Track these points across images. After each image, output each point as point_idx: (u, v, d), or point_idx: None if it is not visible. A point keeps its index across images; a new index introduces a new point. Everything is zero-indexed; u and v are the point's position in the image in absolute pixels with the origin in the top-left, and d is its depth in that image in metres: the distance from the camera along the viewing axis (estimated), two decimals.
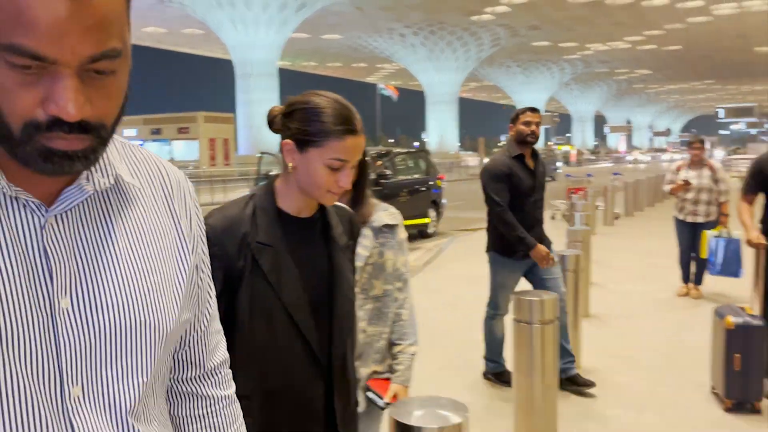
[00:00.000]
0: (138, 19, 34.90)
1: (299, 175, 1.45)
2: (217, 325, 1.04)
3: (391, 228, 2.05)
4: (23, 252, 0.72)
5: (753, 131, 36.57)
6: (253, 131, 30.66)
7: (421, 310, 5.91)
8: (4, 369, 0.69)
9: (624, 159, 57.27)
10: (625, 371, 4.44)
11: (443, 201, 11.18)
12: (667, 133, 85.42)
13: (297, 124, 1.43)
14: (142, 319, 0.81)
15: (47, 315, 0.73)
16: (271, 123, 1.51)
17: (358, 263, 1.91)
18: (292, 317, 1.41)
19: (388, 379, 1.96)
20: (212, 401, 1.01)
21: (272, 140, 34.25)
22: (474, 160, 47.53)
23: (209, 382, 1.01)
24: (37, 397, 0.72)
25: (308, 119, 1.42)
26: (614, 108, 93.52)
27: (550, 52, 51.29)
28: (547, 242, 4.04)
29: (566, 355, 4.03)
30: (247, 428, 1.24)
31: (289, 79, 33.87)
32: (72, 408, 0.75)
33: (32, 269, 0.73)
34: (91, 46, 0.64)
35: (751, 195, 4.25)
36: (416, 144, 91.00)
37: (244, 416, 1.20)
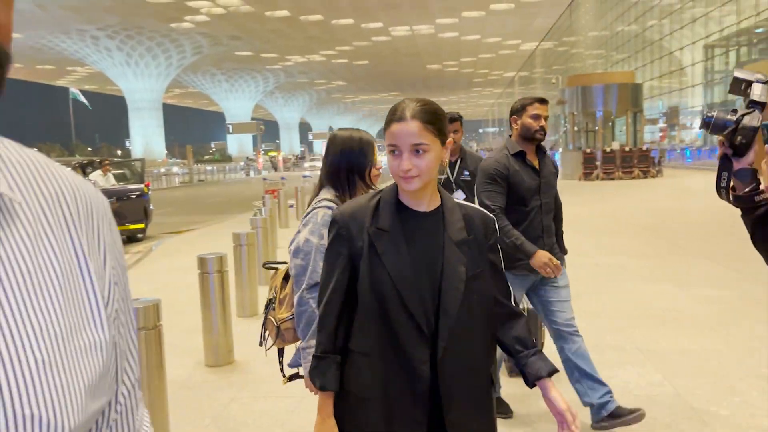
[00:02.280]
0: None
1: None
2: (139, 395, 0.72)
3: None
4: None
5: None
6: None
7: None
8: None
9: None
10: None
11: (150, 207, 11.58)
12: None
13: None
14: (26, 413, 0.52)
15: None
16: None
17: None
18: (399, 291, 1.60)
19: None
20: None
21: None
22: (181, 169, 46.70)
23: None
24: None
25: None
26: (317, 115, 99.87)
27: (253, 61, 52.92)
28: (558, 254, 3.38)
29: (598, 386, 3.25)
30: (368, 380, 1.62)
31: None
32: None
33: None
34: None
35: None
36: (119, 152, 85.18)
37: (363, 370, 1.64)
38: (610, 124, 22.46)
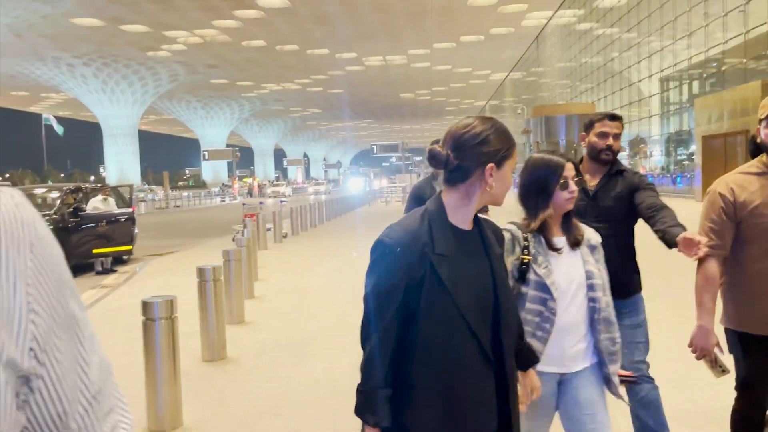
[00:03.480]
0: None
1: (497, 189, 1.62)
2: (105, 402, 0.68)
3: (598, 246, 2.23)
4: None
5: (402, 164, 44.79)
6: None
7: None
8: None
9: (304, 189, 62.27)
10: None
11: (135, 230, 12.11)
12: (338, 165, 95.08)
13: (496, 147, 1.60)
14: None
15: None
16: (448, 159, 1.61)
17: (595, 280, 2.16)
18: (466, 319, 1.55)
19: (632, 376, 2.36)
20: None
21: None
22: (159, 194, 46.86)
23: None
24: None
25: (501, 142, 1.62)
26: (292, 142, 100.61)
27: (229, 89, 53.61)
28: (627, 285, 2.86)
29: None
30: (433, 416, 1.53)
31: None
32: None
33: None
34: None
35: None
36: (92, 178, 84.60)
37: (423, 408, 1.54)
38: (573, 152, 23.61)
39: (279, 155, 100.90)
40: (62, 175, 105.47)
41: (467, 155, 1.59)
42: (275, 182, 61.34)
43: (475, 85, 56.75)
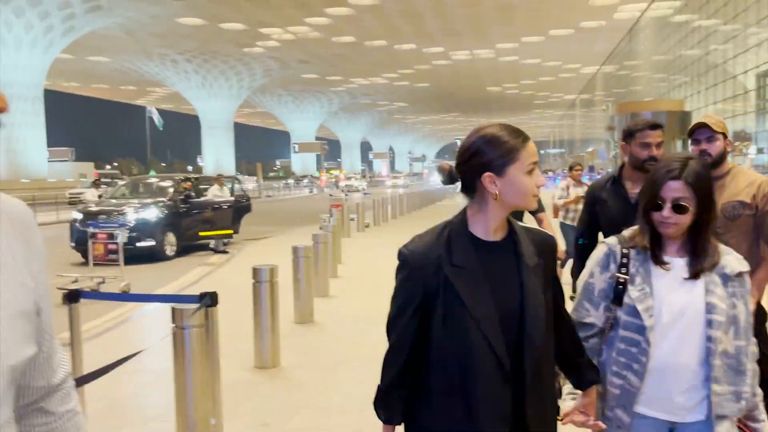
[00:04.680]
0: None
1: (506, 196, 1.60)
2: (57, 344, 1.05)
3: (741, 275, 1.88)
4: None
5: None
6: (15, 156, 29.14)
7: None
8: None
9: (382, 182, 63.49)
10: None
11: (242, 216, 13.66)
12: (422, 158, 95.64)
13: (487, 156, 1.59)
14: (15, 325, 0.85)
15: None
16: (452, 174, 1.67)
17: (716, 317, 1.81)
18: (482, 330, 1.55)
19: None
20: (57, 416, 1.05)
21: (39, 165, 32.41)
22: (252, 184, 49.27)
23: (54, 400, 1.05)
24: None
25: (494, 148, 1.58)
26: (378, 135, 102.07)
27: (319, 83, 55.26)
28: None
29: None
30: (449, 418, 1.58)
31: (49, 100, 32.47)
32: None
33: None
34: None
35: None
36: (190, 168, 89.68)
37: (443, 408, 1.59)
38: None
39: (365, 148, 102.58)
40: (163, 164, 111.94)
41: (466, 169, 1.63)
42: (347, 175, 61.81)
43: (565, 79, 55.57)
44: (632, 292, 1.87)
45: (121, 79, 51.92)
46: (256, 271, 4.59)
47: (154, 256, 10.93)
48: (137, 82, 53.48)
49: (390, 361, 1.68)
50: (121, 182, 17.37)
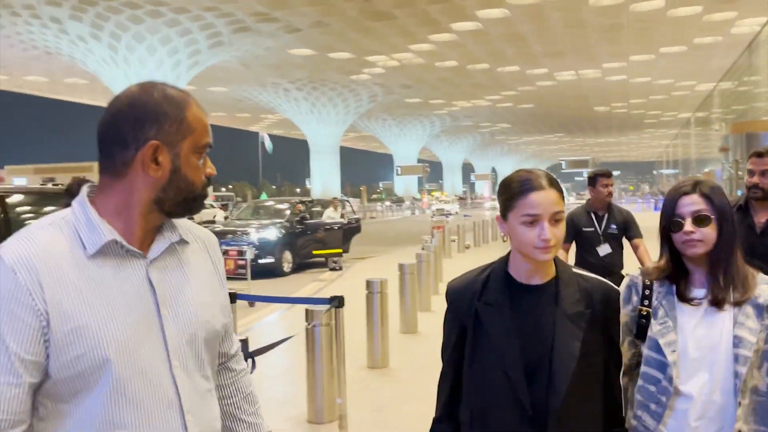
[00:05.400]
0: (20, 68, 35.24)
1: (512, 242, 1.62)
2: (231, 327, 1.56)
3: None
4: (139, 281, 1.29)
5: None
6: None
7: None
8: (138, 344, 1.24)
9: (484, 205, 63.42)
10: None
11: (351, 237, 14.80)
12: None
13: (499, 198, 1.64)
14: (205, 319, 1.37)
15: (159, 325, 1.28)
16: None
17: (743, 351, 1.66)
18: (504, 369, 1.54)
19: None
20: (236, 372, 1.61)
21: None
22: (356, 206, 50.88)
23: (234, 361, 1.61)
24: (155, 379, 1.25)
25: (501, 192, 1.63)
26: (480, 157, 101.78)
27: (421, 107, 56.30)
28: None
29: None
30: None
31: None
32: (173, 370, 1.29)
33: (148, 296, 1.29)
34: None
35: (566, 244, 4.58)
36: (297, 190, 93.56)
37: None
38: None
39: (466, 170, 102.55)
40: (273, 187, 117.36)
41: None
42: (439, 198, 61.15)
43: (678, 97, 53.26)
44: (654, 326, 1.77)
45: (237, 107, 55.49)
46: (369, 283, 5.25)
47: (273, 272, 12.01)
48: (251, 109, 56.91)
49: (439, 391, 1.74)
50: (243, 205, 19.07)
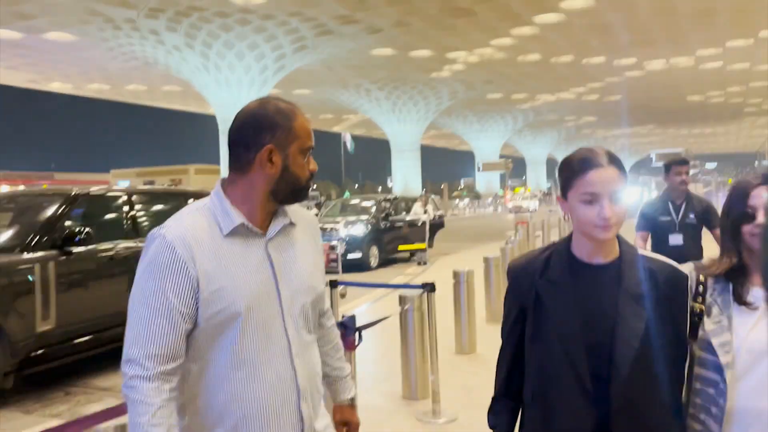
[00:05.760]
0: (121, 77, 37.71)
1: (573, 221, 1.63)
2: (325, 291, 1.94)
3: None
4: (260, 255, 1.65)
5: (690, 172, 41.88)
6: None
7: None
8: (260, 303, 1.60)
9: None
10: None
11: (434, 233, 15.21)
12: None
13: (561, 177, 1.66)
14: (311, 285, 1.75)
15: (276, 288, 1.65)
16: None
17: None
18: (564, 348, 1.54)
19: None
20: (327, 327, 1.98)
21: None
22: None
23: (325, 318, 1.97)
24: (272, 330, 1.63)
25: (561, 171, 1.65)
26: (566, 151, 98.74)
27: (503, 103, 55.60)
28: None
29: None
30: (528, 429, 1.69)
31: None
32: (286, 324, 1.66)
33: (267, 266, 1.65)
34: None
35: (643, 232, 4.67)
36: (379, 188, 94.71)
37: (528, 423, 1.69)
38: None
39: (550, 165, 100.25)
40: (356, 185, 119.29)
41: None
42: (514, 196, 56.96)
43: None
44: (707, 325, 1.71)
45: (320, 108, 56.88)
46: (456, 273, 5.47)
47: (360, 266, 12.43)
48: (334, 110, 58.16)
49: (497, 369, 1.78)
50: (331, 203, 19.75)
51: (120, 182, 31.04)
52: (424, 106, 50.36)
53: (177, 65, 31.90)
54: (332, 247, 10.32)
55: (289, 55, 32.77)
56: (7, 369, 5.02)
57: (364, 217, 13.20)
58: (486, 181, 77.00)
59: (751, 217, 1.71)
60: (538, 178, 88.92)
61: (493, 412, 1.75)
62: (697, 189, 35.05)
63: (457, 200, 57.72)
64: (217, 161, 33.77)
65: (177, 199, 7.12)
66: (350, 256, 12.17)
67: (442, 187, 47.79)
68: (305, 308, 1.71)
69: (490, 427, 1.76)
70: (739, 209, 1.74)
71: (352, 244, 12.35)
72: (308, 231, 1.81)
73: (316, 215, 17.83)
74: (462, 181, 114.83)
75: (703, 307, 1.73)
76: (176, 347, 1.55)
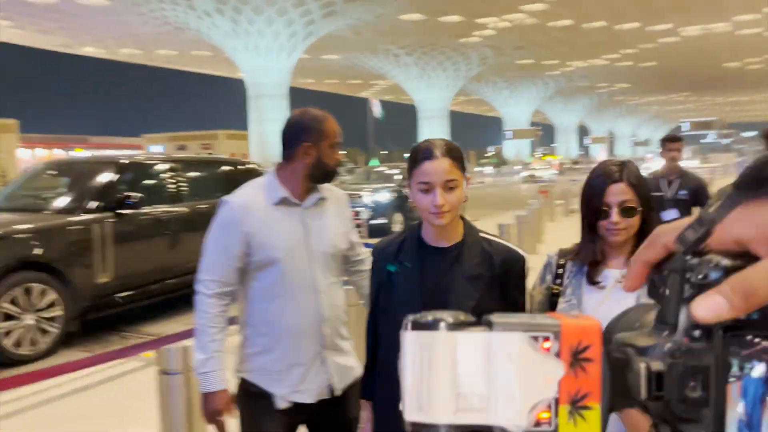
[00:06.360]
0: (153, 42, 38.13)
1: (418, 208, 1.81)
2: (361, 245, 2.49)
3: None
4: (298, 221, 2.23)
5: (724, 141, 40.54)
6: (265, 147, 33.94)
7: None
8: (295, 254, 2.19)
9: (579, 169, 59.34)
10: None
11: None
12: (646, 143, 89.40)
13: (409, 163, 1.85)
14: (334, 243, 2.30)
15: (307, 243, 2.23)
16: None
17: None
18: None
19: None
20: (357, 272, 2.54)
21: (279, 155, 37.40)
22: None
23: (357, 264, 2.52)
24: (303, 273, 2.20)
25: (408, 162, 1.84)
26: (597, 119, 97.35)
27: (534, 69, 54.80)
28: None
29: None
30: (383, 401, 1.93)
31: (290, 96, 37.13)
32: (315, 275, 2.23)
33: (301, 227, 2.22)
34: None
35: None
36: (406, 155, 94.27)
37: (380, 392, 1.93)
38: None
39: (581, 132, 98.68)
40: (383, 152, 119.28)
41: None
42: (528, 163, 54.26)
43: None
44: (560, 304, 1.84)
45: (348, 74, 56.77)
46: None
47: (384, 232, 12.75)
48: (362, 76, 57.99)
49: (366, 340, 2.03)
50: (357, 170, 19.99)
51: (151, 147, 31.72)
52: (453, 72, 49.91)
53: (207, 30, 32.15)
54: (357, 214, 10.74)
55: (317, 21, 32.74)
56: (74, 314, 5.87)
57: (389, 184, 13.55)
58: (515, 148, 76.28)
59: (607, 214, 1.76)
60: (568, 146, 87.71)
61: (363, 383, 2.05)
62: (729, 158, 34.35)
63: (483, 168, 57.28)
64: (244, 126, 34.22)
65: (212, 167, 7.60)
66: (375, 221, 12.54)
67: (470, 153, 47.70)
68: (328, 259, 2.27)
69: (361, 398, 2.05)
70: (596, 204, 1.78)
71: (377, 210, 12.71)
72: (337, 203, 2.39)
73: (342, 182, 18.07)
74: (491, 149, 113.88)
75: (560, 289, 1.87)
76: (229, 277, 2.18)
